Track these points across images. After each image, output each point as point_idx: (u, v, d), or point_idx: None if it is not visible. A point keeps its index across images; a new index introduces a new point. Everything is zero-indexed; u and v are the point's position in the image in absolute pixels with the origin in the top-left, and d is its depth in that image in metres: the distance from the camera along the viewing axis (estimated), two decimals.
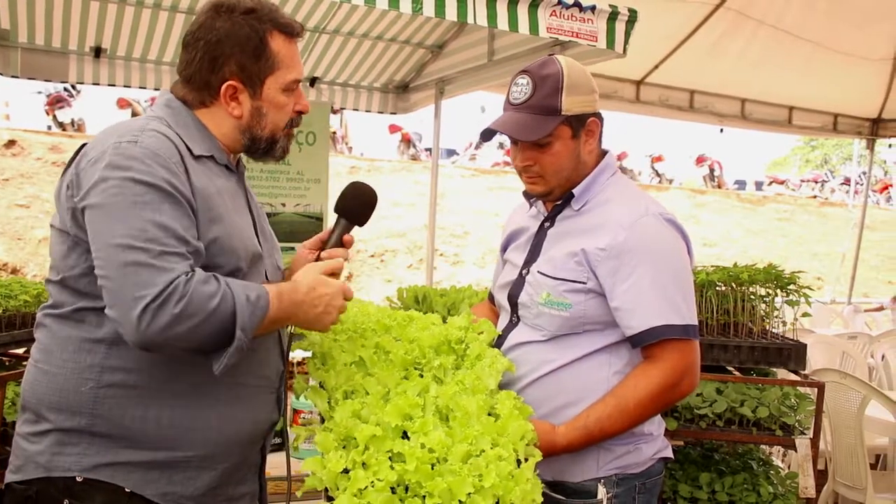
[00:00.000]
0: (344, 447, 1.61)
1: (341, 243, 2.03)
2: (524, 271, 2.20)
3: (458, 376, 1.88)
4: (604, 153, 2.21)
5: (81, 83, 5.75)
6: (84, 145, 1.76)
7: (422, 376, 1.92)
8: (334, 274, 1.89)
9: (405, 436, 1.62)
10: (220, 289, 1.61)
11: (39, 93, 16.75)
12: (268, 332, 1.77)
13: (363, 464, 1.53)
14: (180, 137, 1.78)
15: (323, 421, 1.84)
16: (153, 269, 1.55)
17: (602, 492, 2.05)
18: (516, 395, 1.86)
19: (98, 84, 5.64)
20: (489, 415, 1.72)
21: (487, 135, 2.17)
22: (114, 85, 5.70)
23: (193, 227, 1.67)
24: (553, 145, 2.09)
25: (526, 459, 1.66)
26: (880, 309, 9.63)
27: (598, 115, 2.14)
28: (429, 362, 1.98)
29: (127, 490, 1.72)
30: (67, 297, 1.75)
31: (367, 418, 1.65)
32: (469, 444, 1.59)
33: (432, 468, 1.52)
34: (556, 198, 2.20)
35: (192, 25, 1.85)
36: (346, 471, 1.53)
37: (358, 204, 2.06)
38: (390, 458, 1.54)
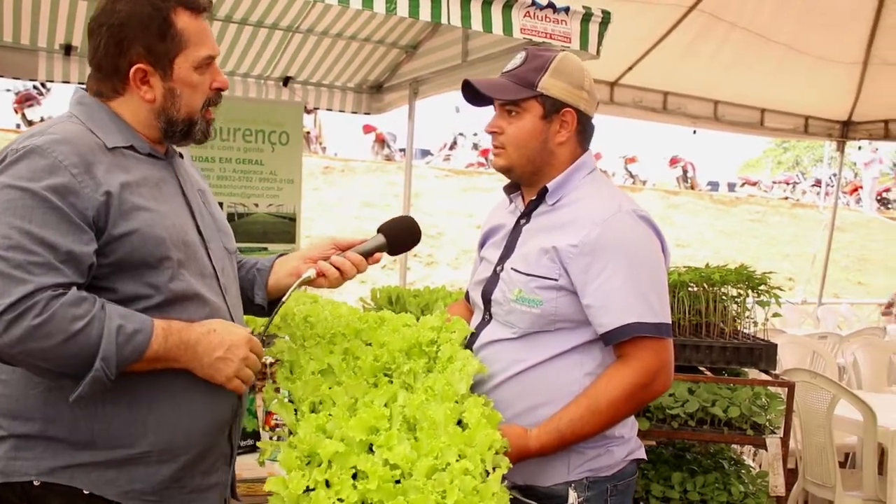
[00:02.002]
0: (308, 463, 1.60)
1: (368, 256, 2.05)
2: (498, 268, 2.20)
3: (427, 382, 1.87)
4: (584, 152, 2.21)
5: (51, 81, 5.67)
6: None
7: (392, 382, 1.92)
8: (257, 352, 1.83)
9: (372, 448, 1.62)
10: (91, 313, 1.57)
11: (8, 90, 16.59)
12: (153, 368, 1.70)
13: (326, 482, 1.52)
14: (93, 133, 1.75)
15: (291, 434, 1.83)
16: (9, 279, 1.52)
17: (573, 496, 2.06)
18: (485, 401, 1.85)
19: (68, 82, 5.57)
20: (459, 422, 1.73)
21: (465, 86, 2.18)
22: (84, 83, 5.63)
23: (79, 232, 1.62)
24: (522, 118, 2.11)
25: (495, 468, 1.66)
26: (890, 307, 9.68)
27: (579, 112, 2.14)
28: (399, 367, 1.97)
29: (85, 492, 1.70)
30: None
31: (332, 432, 1.65)
32: (434, 457, 1.58)
33: (397, 483, 1.52)
34: (517, 177, 2.21)
35: (95, 10, 1.80)
36: (308, 489, 1.52)
37: (405, 239, 2.14)
38: (354, 476, 1.54)
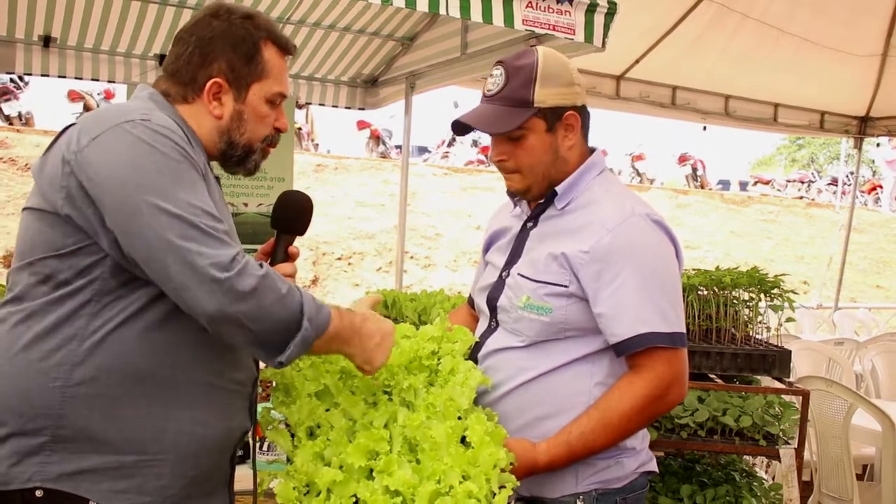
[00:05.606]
0: (307, 493, 1.61)
1: (287, 257, 2.06)
2: (504, 273, 2.20)
3: (429, 398, 1.88)
4: (591, 151, 2.21)
5: (29, 74, 5.68)
6: (70, 126, 1.76)
7: (392, 399, 1.92)
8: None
9: (373, 473, 1.63)
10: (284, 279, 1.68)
11: None
12: (324, 352, 1.82)
13: None
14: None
15: (289, 461, 1.83)
16: (214, 239, 1.60)
17: None
18: (489, 417, 1.86)
19: (47, 75, 5.59)
20: (463, 439, 1.73)
21: (457, 127, 2.17)
22: (64, 76, 5.65)
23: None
24: (527, 139, 2.09)
25: (501, 487, 1.67)
26: None
27: (578, 109, 2.12)
28: (398, 384, 1.97)
29: (92, 503, 1.70)
30: (36, 287, 1.72)
31: (330, 459, 1.66)
32: (437, 481, 1.59)
33: None
34: (535, 196, 2.19)
35: (188, 23, 1.92)
36: None
37: (293, 214, 2.10)
38: None
